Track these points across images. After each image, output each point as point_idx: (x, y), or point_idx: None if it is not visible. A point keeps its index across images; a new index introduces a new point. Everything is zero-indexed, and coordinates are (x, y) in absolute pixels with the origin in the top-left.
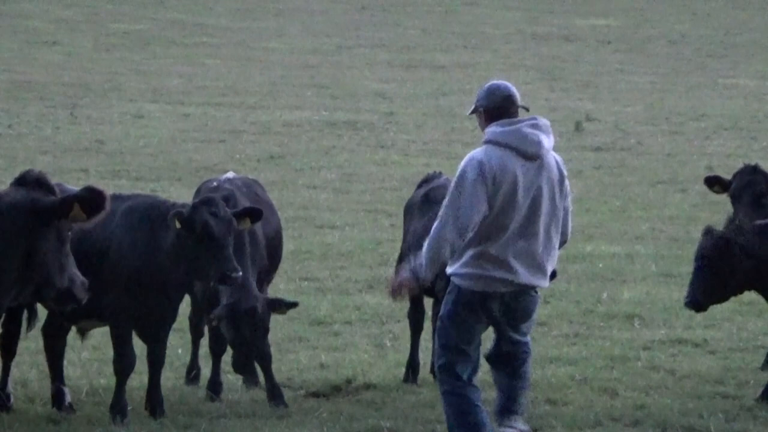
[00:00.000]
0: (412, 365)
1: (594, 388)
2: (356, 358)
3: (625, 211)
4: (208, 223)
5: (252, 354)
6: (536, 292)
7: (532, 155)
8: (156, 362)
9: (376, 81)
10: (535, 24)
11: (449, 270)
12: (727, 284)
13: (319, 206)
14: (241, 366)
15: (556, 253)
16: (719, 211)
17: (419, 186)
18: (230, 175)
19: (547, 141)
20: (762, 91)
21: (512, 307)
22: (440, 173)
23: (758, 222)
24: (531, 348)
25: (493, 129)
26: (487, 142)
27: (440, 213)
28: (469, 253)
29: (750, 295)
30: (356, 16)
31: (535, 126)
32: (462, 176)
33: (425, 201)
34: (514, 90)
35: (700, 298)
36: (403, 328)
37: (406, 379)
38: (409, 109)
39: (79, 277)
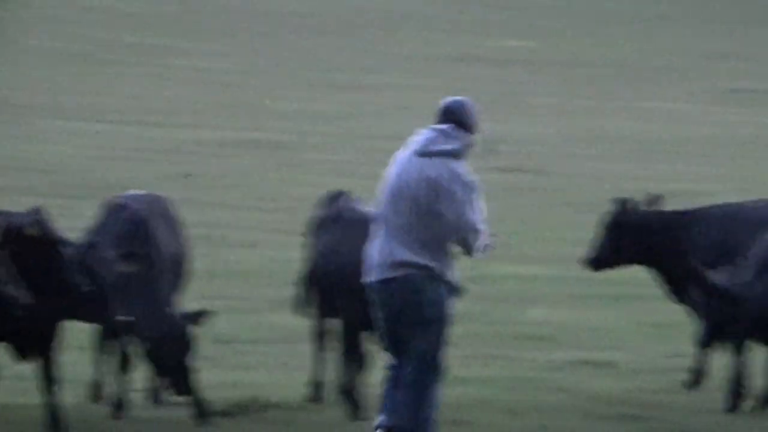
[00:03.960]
0: (317, 384)
1: (498, 408)
2: (262, 378)
3: (535, 232)
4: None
5: (188, 374)
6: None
7: (419, 152)
8: (46, 380)
9: (287, 101)
10: (445, 45)
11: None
12: (621, 251)
13: (229, 225)
14: (184, 388)
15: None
16: None
17: (324, 204)
18: (135, 192)
19: (438, 144)
20: (671, 115)
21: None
22: (343, 192)
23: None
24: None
25: None
26: None
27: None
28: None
29: (655, 317)
30: (272, 36)
31: (435, 129)
32: None
33: (335, 219)
34: (455, 105)
35: (597, 258)
36: (310, 348)
37: (311, 399)
38: (323, 130)
39: None
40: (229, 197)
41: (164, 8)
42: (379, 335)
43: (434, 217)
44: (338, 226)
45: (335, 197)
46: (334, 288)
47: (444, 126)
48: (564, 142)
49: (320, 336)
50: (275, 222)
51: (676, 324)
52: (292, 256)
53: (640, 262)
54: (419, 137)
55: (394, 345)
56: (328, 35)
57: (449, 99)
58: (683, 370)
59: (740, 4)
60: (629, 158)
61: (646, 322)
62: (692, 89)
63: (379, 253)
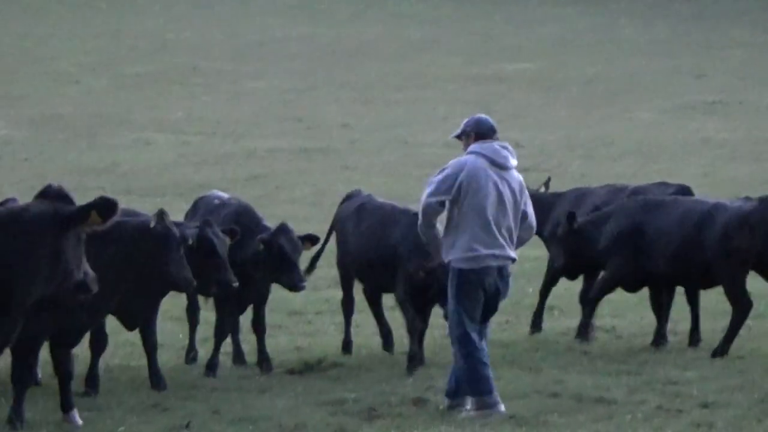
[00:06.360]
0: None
1: (521, 366)
2: (325, 342)
3: None
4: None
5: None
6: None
7: (500, 165)
8: (149, 345)
9: (343, 114)
10: (472, 67)
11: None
12: None
13: (296, 218)
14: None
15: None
16: None
17: (343, 202)
18: (218, 192)
19: (512, 159)
20: (659, 122)
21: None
22: (360, 191)
23: None
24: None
25: (475, 145)
26: (470, 152)
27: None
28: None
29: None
30: (326, 59)
31: (504, 147)
32: (444, 168)
33: (358, 214)
34: (492, 123)
35: None
36: (364, 317)
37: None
38: (369, 138)
39: (90, 271)
40: (292, 195)
41: (230, 39)
42: (474, 313)
43: (522, 217)
44: (363, 221)
45: (351, 196)
46: (363, 266)
47: (506, 144)
48: (570, 146)
49: (373, 307)
50: (331, 215)
51: None
52: None
53: None
54: (496, 152)
55: (482, 318)
56: (368, 60)
57: (484, 117)
58: (672, 333)
59: (700, 30)
60: (624, 159)
61: (643, 295)
62: (666, 101)
63: (489, 246)
